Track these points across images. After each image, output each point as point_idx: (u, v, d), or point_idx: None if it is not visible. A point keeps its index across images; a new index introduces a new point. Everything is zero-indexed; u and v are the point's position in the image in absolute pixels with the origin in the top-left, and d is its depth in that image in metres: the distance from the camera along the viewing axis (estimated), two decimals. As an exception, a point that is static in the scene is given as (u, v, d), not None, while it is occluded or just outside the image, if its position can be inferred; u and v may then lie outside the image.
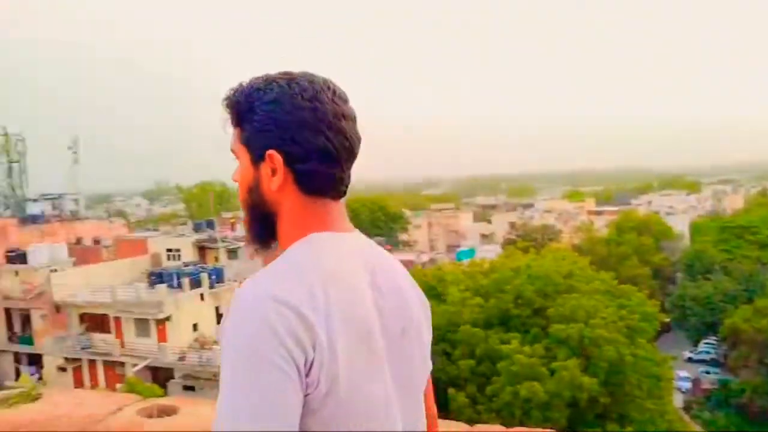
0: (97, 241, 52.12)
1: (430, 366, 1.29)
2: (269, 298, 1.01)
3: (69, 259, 39.31)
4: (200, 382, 30.05)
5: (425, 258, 52.54)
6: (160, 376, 30.65)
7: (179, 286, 32.75)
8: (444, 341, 26.25)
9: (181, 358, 31.11)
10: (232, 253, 40.04)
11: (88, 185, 79.58)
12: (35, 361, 34.45)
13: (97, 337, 33.22)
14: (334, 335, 1.02)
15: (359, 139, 1.16)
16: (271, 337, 0.98)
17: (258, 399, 0.95)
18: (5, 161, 65.00)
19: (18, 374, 34.67)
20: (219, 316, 34.60)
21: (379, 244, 1.29)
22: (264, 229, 1.19)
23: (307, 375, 1.00)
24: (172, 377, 30.77)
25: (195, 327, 32.81)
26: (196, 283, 33.35)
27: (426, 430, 1.26)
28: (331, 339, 1.02)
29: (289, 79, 1.12)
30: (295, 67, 1.18)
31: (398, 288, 1.20)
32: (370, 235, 1.31)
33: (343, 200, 1.20)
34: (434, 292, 29.45)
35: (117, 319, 32.66)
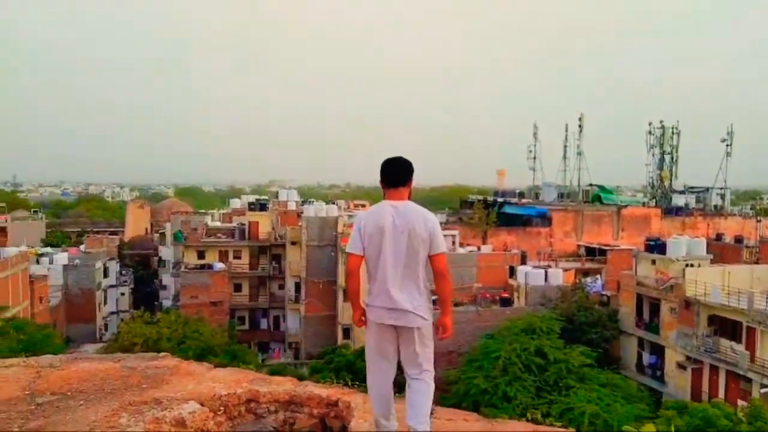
0: (738, 240, 48.42)
1: (424, 248, 3.61)
2: (359, 217, 3.82)
3: (707, 256, 37.46)
4: None
5: None
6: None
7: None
8: None
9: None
10: None
11: (737, 180, 75.20)
12: (657, 351, 34.42)
13: (725, 343, 30.52)
14: (366, 226, 3.66)
15: (395, 172, 3.80)
16: (356, 226, 3.74)
17: (351, 239, 3.72)
18: (659, 152, 67.65)
19: (639, 358, 35.48)
20: None
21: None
22: None
23: (361, 236, 3.68)
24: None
25: None
26: None
27: (415, 282, 3.63)
28: (365, 227, 3.66)
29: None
30: None
31: (407, 212, 3.65)
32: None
33: (398, 188, 3.77)
34: None
35: (751, 329, 29.13)
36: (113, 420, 3.35)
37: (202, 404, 3.65)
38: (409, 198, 3.78)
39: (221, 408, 3.74)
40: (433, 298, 3.72)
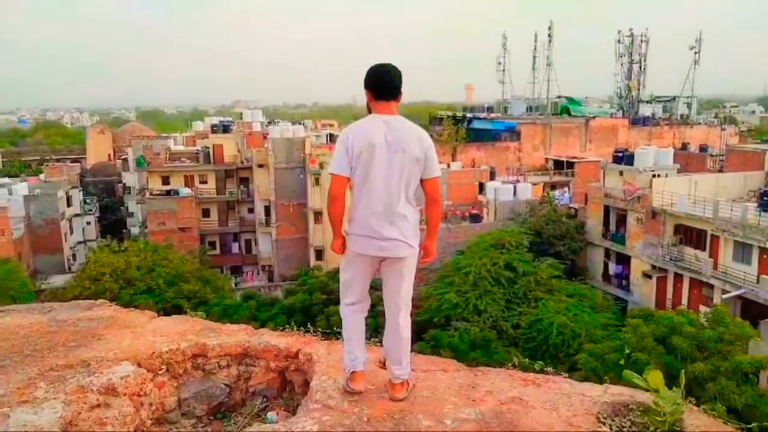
0: (703, 149, 48.83)
1: (418, 167, 3.25)
2: (345, 132, 3.31)
3: (674, 166, 37.71)
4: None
5: None
6: (753, 310, 26.67)
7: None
8: None
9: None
10: None
11: (703, 88, 75.09)
12: (623, 261, 35.14)
13: (689, 251, 31.20)
14: (355, 143, 3.19)
15: (387, 82, 3.30)
16: (340, 140, 3.26)
17: (336, 158, 3.22)
18: (627, 61, 66.79)
19: (605, 268, 36.22)
20: None
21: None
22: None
23: (348, 155, 3.20)
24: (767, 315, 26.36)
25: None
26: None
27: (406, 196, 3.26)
28: (354, 145, 3.19)
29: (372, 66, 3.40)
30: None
31: (400, 129, 3.23)
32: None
33: (389, 101, 3.30)
34: None
35: (715, 237, 29.73)
36: (27, 392, 2.84)
37: (138, 365, 3.16)
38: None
39: (163, 367, 3.28)
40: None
